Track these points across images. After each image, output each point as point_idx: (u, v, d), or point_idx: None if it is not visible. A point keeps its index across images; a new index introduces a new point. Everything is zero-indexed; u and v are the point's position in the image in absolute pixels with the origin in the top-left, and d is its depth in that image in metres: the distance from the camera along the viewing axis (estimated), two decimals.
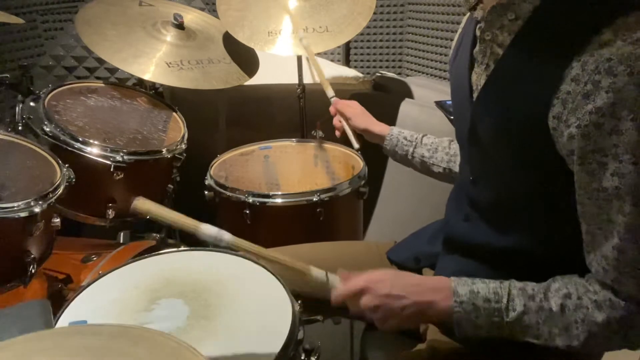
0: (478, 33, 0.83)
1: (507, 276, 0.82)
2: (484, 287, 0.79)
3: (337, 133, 1.36)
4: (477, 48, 0.84)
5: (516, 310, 0.77)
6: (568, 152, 0.71)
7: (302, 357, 0.85)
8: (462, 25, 0.97)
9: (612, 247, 0.71)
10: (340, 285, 0.86)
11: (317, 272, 0.88)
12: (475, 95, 0.85)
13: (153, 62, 1.53)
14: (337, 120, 1.34)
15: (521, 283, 0.79)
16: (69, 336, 0.52)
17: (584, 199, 0.72)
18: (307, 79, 2.02)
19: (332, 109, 1.36)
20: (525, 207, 0.82)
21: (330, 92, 1.39)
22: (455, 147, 1.15)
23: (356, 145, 1.28)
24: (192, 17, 1.75)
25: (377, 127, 1.26)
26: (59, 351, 0.48)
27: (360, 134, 1.30)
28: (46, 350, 0.48)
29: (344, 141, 1.36)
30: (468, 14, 0.91)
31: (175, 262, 1.03)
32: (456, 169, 1.13)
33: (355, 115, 1.30)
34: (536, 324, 0.76)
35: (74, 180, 1.22)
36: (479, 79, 0.84)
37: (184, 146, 1.53)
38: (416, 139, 1.20)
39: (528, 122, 0.74)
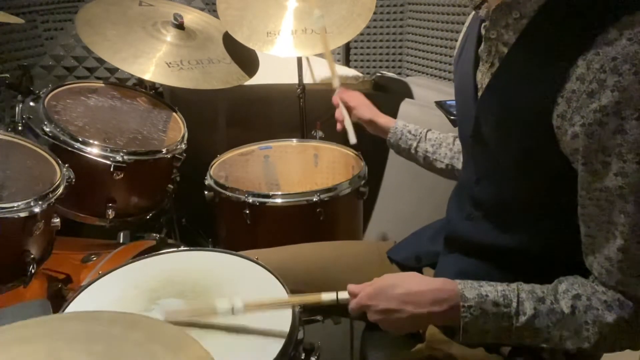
0: (483, 32, 0.83)
1: (509, 275, 0.82)
2: (492, 290, 0.78)
3: (339, 126, 1.31)
4: (482, 47, 0.84)
5: (526, 314, 0.75)
6: (572, 151, 0.71)
7: (302, 357, 0.85)
8: (466, 24, 0.97)
9: (617, 249, 0.70)
10: (350, 303, 0.86)
11: (328, 296, 0.86)
12: (479, 93, 0.85)
13: (153, 62, 1.53)
14: (339, 113, 1.31)
15: (529, 285, 0.78)
16: (67, 321, 0.52)
17: (586, 200, 0.72)
18: (307, 79, 2.02)
19: (335, 99, 1.32)
20: (528, 206, 0.82)
21: (336, 82, 1.35)
22: (459, 143, 1.15)
23: (353, 140, 1.25)
24: (192, 17, 1.75)
25: (382, 119, 1.26)
26: (57, 335, 0.48)
27: (360, 126, 1.29)
28: (44, 335, 0.48)
29: (344, 136, 1.34)
30: (473, 12, 0.91)
31: (175, 262, 1.03)
32: (459, 165, 1.13)
33: (360, 105, 1.28)
34: (546, 327, 0.75)
35: (74, 180, 1.22)
36: (483, 77, 0.84)
37: (184, 146, 1.53)
38: (420, 133, 1.20)
39: (532, 121, 0.74)
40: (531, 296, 0.76)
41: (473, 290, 0.78)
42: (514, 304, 0.76)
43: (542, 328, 0.75)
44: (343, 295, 0.86)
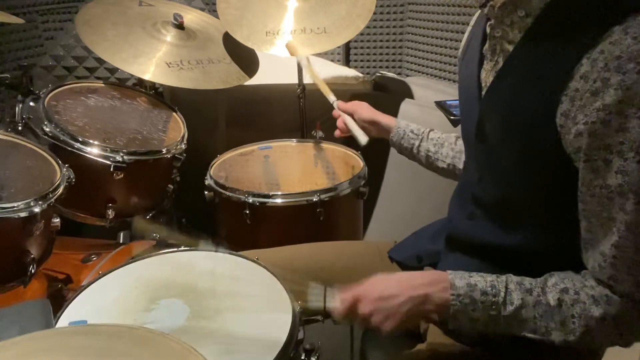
0: (488, 30, 0.83)
1: (510, 274, 0.82)
2: (481, 280, 0.79)
3: (337, 132, 1.33)
4: (486, 45, 0.84)
5: (513, 304, 0.77)
6: (574, 149, 0.71)
7: (302, 357, 0.85)
8: (472, 23, 0.97)
9: (611, 245, 0.71)
10: (337, 304, 0.86)
11: (315, 293, 0.87)
12: (483, 92, 0.85)
13: (153, 62, 1.53)
14: (341, 122, 1.32)
15: (518, 277, 0.79)
16: (70, 336, 0.52)
17: (586, 197, 0.72)
18: (307, 79, 2.01)
19: (335, 113, 1.34)
20: (530, 205, 0.82)
21: (332, 97, 1.37)
22: (461, 143, 1.15)
23: (364, 140, 1.23)
24: (192, 17, 1.75)
25: (384, 119, 1.26)
26: (61, 351, 0.48)
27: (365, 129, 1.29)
28: (48, 350, 0.48)
29: (345, 141, 1.34)
30: (479, 11, 0.91)
31: (176, 262, 1.03)
32: (460, 165, 1.13)
33: (360, 108, 1.29)
34: (533, 318, 0.77)
35: (74, 180, 1.22)
36: (487, 75, 0.85)
37: (184, 146, 1.53)
38: (423, 132, 1.20)
39: (535, 119, 0.74)
40: (519, 287, 0.78)
41: (463, 279, 0.80)
42: (502, 294, 0.77)
43: (528, 318, 0.77)
44: (331, 302, 0.86)
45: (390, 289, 0.82)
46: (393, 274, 0.87)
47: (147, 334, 0.50)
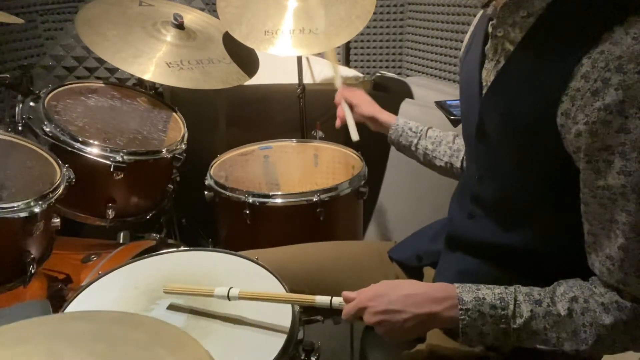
0: (490, 30, 0.84)
1: (510, 274, 0.82)
2: (489, 293, 0.78)
3: (338, 122, 1.34)
4: (488, 44, 0.85)
5: (523, 317, 0.76)
6: (575, 149, 0.71)
7: (302, 357, 0.85)
8: (474, 23, 0.97)
9: (618, 248, 0.70)
10: (344, 308, 0.85)
11: (322, 299, 0.86)
12: (484, 91, 0.85)
13: (153, 62, 1.53)
14: (340, 110, 1.33)
15: (527, 288, 0.78)
16: (69, 321, 0.52)
17: (589, 198, 0.72)
18: (307, 79, 2.02)
19: (337, 97, 1.35)
20: (530, 205, 0.82)
21: (339, 82, 1.39)
22: (459, 142, 1.15)
23: (355, 137, 1.27)
24: (192, 17, 1.75)
25: (384, 115, 1.26)
26: (58, 335, 0.48)
27: (360, 125, 1.30)
28: (45, 335, 0.48)
29: (344, 136, 1.34)
30: (481, 11, 0.91)
31: (175, 262, 1.03)
32: (457, 163, 1.13)
33: (362, 102, 1.30)
34: (543, 329, 0.76)
35: (74, 180, 1.22)
36: (488, 75, 0.85)
37: (184, 146, 1.53)
38: (421, 130, 1.20)
39: (536, 118, 0.74)
40: (528, 299, 0.77)
41: (471, 293, 0.78)
42: (511, 307, 0.76)
43: (539, 330, 0.76)
44: (337, 300, 0.86)
45: (394, 303, 0.80)
46: (399, 284, 0.85)
47: (145, 320, 0.50)
